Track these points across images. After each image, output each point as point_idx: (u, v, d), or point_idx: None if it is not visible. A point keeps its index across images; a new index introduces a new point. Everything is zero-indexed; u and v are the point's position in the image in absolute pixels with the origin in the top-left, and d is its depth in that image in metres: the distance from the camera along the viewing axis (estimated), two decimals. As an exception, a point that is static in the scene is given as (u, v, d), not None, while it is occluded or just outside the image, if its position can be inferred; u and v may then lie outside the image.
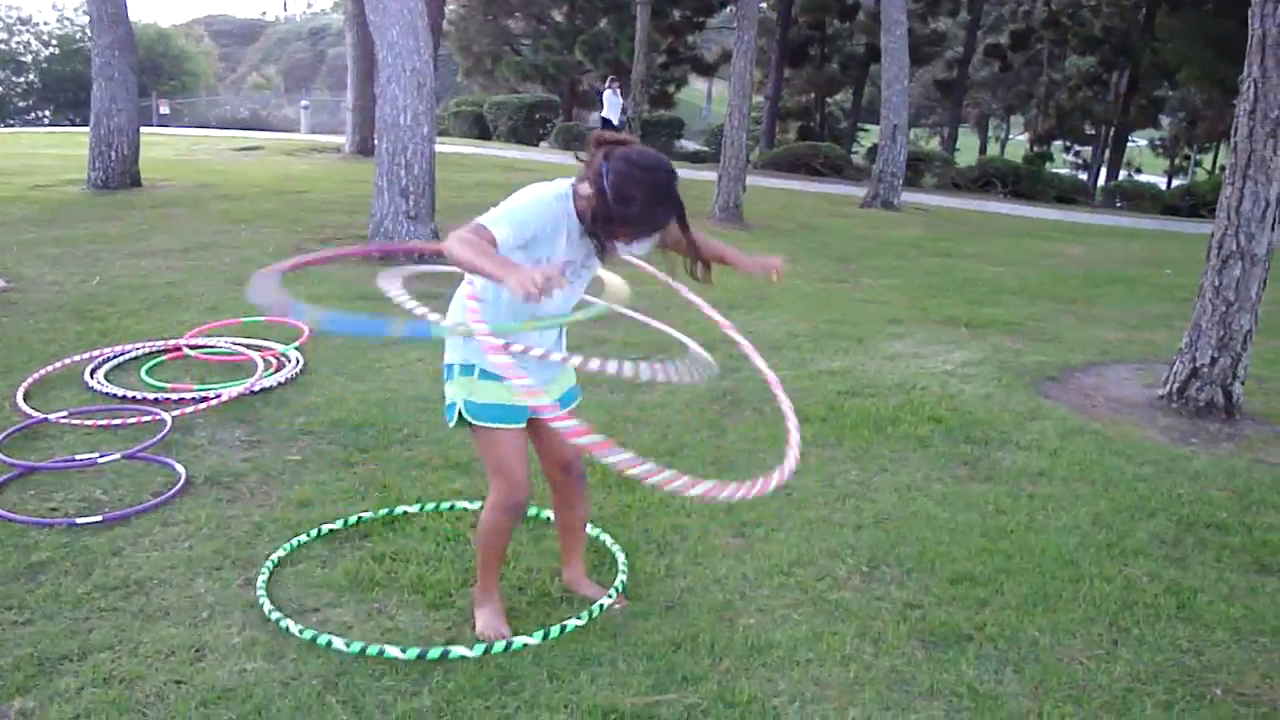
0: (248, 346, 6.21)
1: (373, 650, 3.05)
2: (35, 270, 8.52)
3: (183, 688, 2.90)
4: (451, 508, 4.14)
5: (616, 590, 3.45)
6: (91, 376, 5.63)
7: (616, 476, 4.52)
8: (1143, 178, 38.08)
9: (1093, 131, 39.84)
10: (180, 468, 4.42)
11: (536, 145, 31.59)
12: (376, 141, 10.14)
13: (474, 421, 3.05)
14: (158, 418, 4.96)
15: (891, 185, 18.22)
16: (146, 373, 5.78)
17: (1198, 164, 46.30)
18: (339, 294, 7.89)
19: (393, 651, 3.04)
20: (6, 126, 41.93)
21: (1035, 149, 36.81)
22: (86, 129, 14.23)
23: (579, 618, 3.26)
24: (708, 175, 15.89)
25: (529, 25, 38.39)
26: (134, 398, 5.33)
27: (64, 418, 5.00)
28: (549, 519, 3.92)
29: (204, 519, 4.00)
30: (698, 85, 53.11)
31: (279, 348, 6.22)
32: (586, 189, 2.81)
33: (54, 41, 52.51)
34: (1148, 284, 11.27)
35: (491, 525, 3.17)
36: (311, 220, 11.96)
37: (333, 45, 77.12)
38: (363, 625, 3.27)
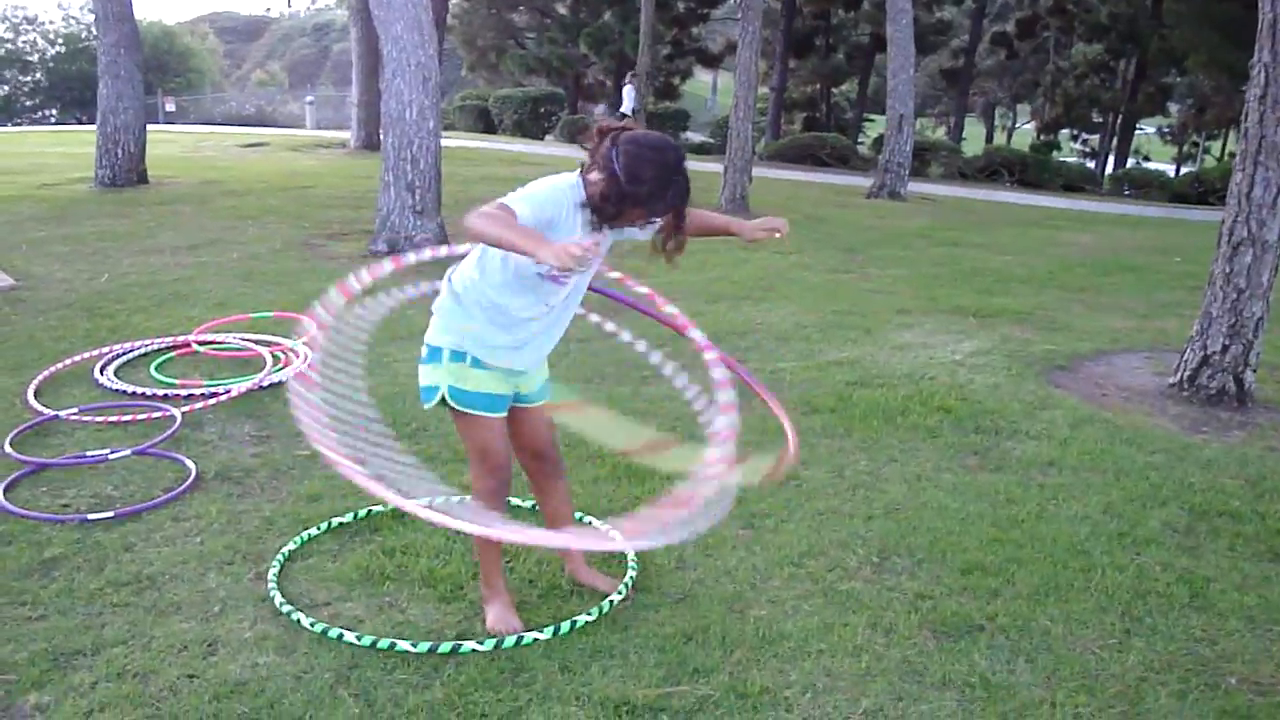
0: (256, 342, 6.21)
1: (384, 644, 3.06)
2: (44, 268, 8.54)
3: (195, 682, 2.91)
4: (460, 501, 4.14)
5: (626, 586, 3.45)
6: (101, 373, 5.65)
7: (625, 469, 4.53)
8: (1151, 165, 37.92)
9: (1100, 119, 39.65)
10: (190, 463, 4.44)
11: (542, 139, 31.53)
12: (382, 136, 10.14)
13: (458, 407, 3.08)
14: (167, 414, 4.97)
15: (898, 175, 18.16)
16: (156, 369, 5.79)
17: (1206, 151, 46.11)
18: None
19: (404, 645, 3.05)
20: (14, 125, 42.02)
21: (1042, 137, 36.70)
22: (93, 127, 14.25)
23: (589, 613, 3.26)
24: (714, 167, 15.86)
25: (533, 19, 38.32)
26: (144, 394, 5.34)
27: (74, 415, 5.01)
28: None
29: (214, 514, 4.01)
30: (703, 77, 53.01)
31: (287, 343, 6.22)
32: (596, 175, 2.83)
33: (60, 40, 52.55)
34: (1157, 272, 11.22)
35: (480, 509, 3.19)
36: (318, 216, 11.97)
37: (337, 41, 77.14)
38: (374, 619, 3.28)
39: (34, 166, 16.62)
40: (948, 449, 5.02)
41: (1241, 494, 4.57)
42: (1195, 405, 5.91)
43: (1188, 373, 6.08)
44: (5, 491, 4.12)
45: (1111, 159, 36.73)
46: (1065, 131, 41.73)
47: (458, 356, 3.05)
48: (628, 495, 4.27)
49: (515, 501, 4.04)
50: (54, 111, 50.51)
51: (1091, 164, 37.54)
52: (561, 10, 37.00)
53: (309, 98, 42.45)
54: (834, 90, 41.24)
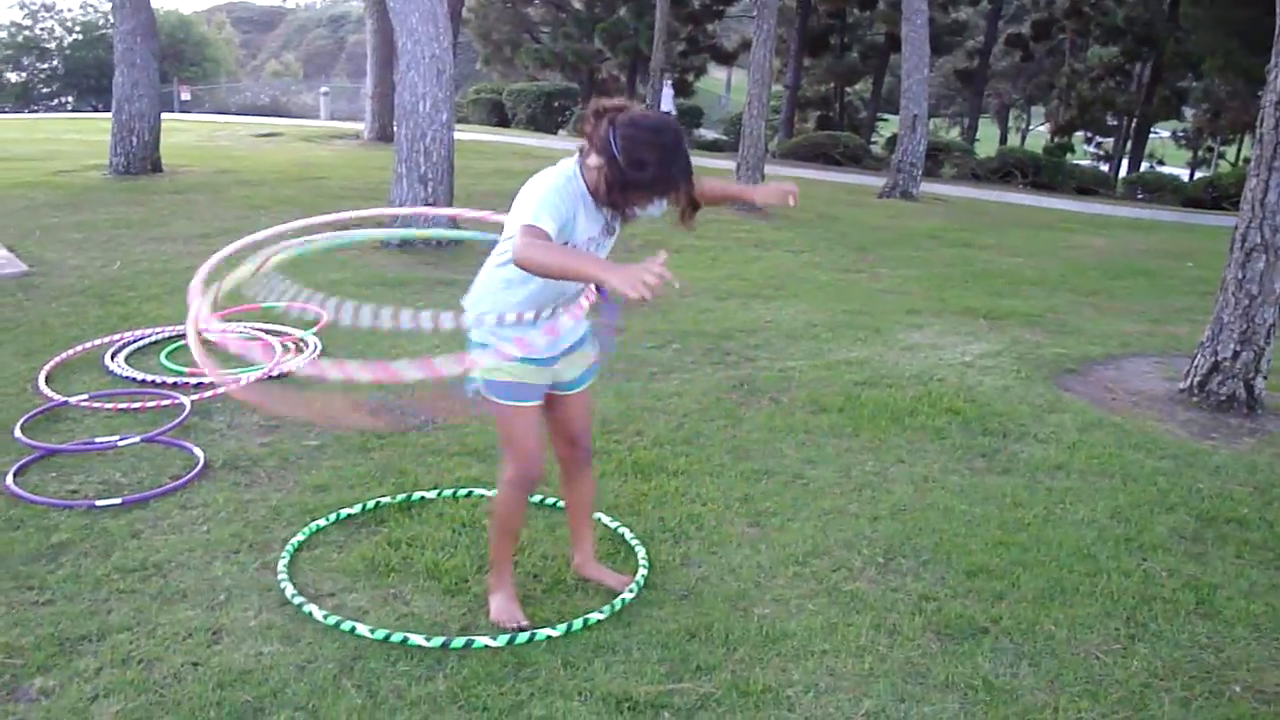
0: (266, 331, 6.23)
1: (396, 637, 3.06)
2: (57, 255, 8.56)
3: (200, 669, 2.92)
4: (469, 494, 4.15)
5: (638, 585, 3.45)
6: (112, 360, 5.67)
7: (631, 465, 4.53)
8: (1165, 169, 37.76)
9: (1115, 123, 39.48)
10: (199, 451, 4.45)
11: (555, 133, 31.54)
12: (396, 128, 10.15)
13: (493, 399, 3.07)
14: (177, 402, 4.99)
15: (911, 175, 18.11)
16: (166, 357, 5.81)
17: (1221, 156, 45.89)
18: (355, 279, 7.91)
19: (416, 639, 3.06)
20: (30, 112, 42.16)
21: (1056, 140, 36.51)
22: (108, 115, 14.29)
23: (601, 611, 3.26)
24: (726, 164, 15.84)
25: (548, 13, 38.30)
26: (153, 382, 5.36)
27: (84, 401, 5.03)
28: (562, 507, 3.92)
29: (222, 503, 4.03)
30: (717, 74, 52.91)
31: (297, 333, 6.24)
32: (595, 160, 2.80)
33: (77, 28, 52.71)
34: (1169, 277, 11.19)
35: (504, 500, 3.20)
36: (331, 206, 11.97)
37: (352, 32, 77.25)
38: (379, 610, 3.29)
39: (49, 153, 16.68)
40: (955, 451, 5.01)
41: (1250, 501, 4.55)
42: (1205, 411, 5.89)
43: (1198, 378, 6.06)
44: (15, 476, 4.14)
45: (1126, 162, 36.56)
46: (1079, 134, 41.58)
47: (486, 348, 3.03)
48: (634, 491, 4.27)
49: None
50: (70, 99, 50.69)
51: (1105, 167, 37.37)
52: (577, 5, 36.94)
53: (324, 89, 42.48)
54: (848, 89, 41.17)
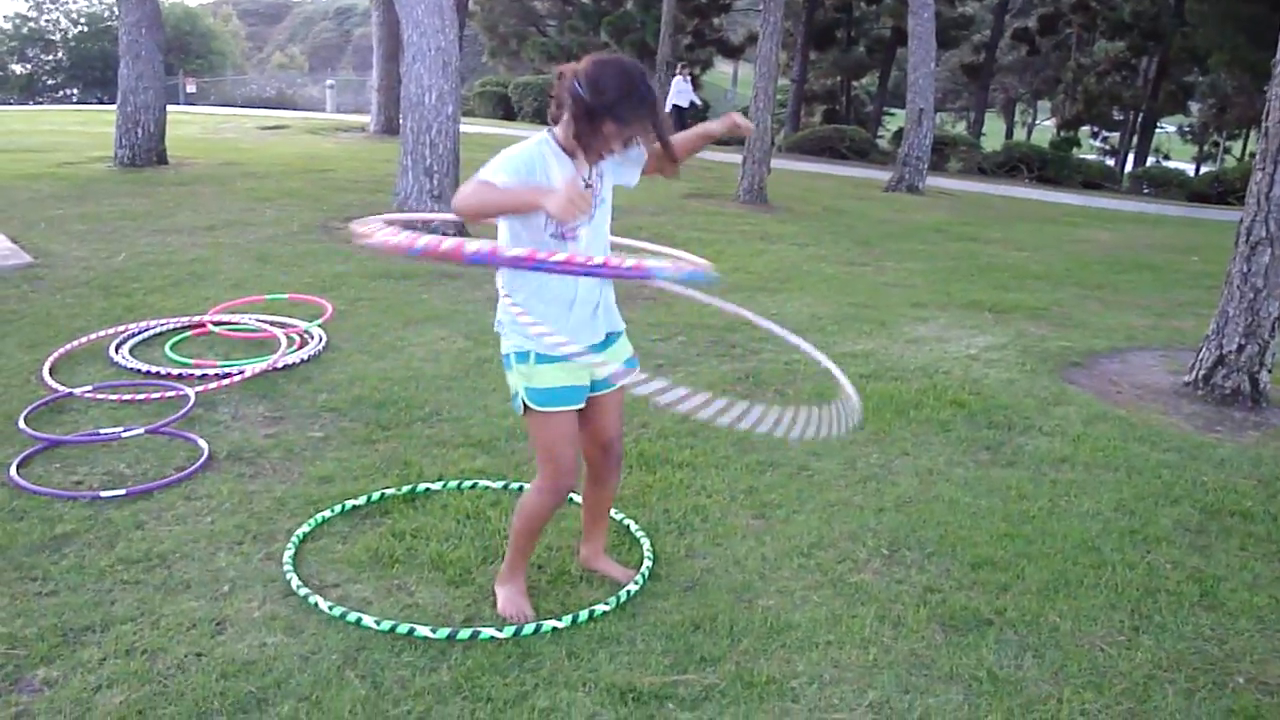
0: (271, 323, 6.23)
1: (401, 628, 3.07)
2: (62, 246, 8.57)
3: (203, 660, 2.92)
4: (473, 486, 4.15)
5: (643, 577, 3.45)
6: (116, 352, 5.67)
7: (637, 457, 4.53)
8: (1171, 164, 37.69)
9: (1121, 117, 39.43)
10: (203, 443, 4.45)
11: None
12: (401, 121, 10.15)
13: (535, 407, 3.03)
14: (181, 393, 4.99)
15: (916, 169, 18.10)
16: (171, 349, 5.81)
17: (1227, 151, 45.82)
18: (359, 271, 7.91)
19: (421, 630, 3.06)
20: (35, 104, 42.20)
21: (1062, 134, 36.44)
22: (113, 107, 14.29)
23: (606, 603, 3.26)
24: (733, 158, 15.83)
25: (555, 6, 38.30)
26: (158, 373, 5.36)
27: (89, 392, 5.04)
28: (576, 501, 3.91)
29: (226, 494, 4.03)
30: (723, 67, 52.85)
31: (302, 325, 6.24)
32: (565, 115, 2.85)
33: (82, 19, 52.80)
34: (1174, 271, 11.17)
35: (534, 507, 3.17)
36: (336, 199, 11.99)
37: (358, 25, 77.33)
38: (382, 601, 3.29)
39: (54, 145, 16.69)
40: (960, 443, 5.00)
41: (1254, 494, 4.54)
42: (1209, 404, 5.88)
43: (1203, 372, 6.05)
44: (19, 467, 4.14)
45: (1131, 157, 36.52)
46: (1085, 129, 41.52)
47: (522, 357, 3.00)
48: (639, 483, 4.27)
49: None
50: (75, 91, 50.77)
51: (1111, 162, 37.32)
52: (583, -2, 36.95)
53: (329, 81, 42.54)
54: (854, 83, 41.11)
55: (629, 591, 3.35)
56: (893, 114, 41.48)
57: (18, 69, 52.90)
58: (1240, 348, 5.90)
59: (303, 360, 5.66)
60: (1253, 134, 37.27)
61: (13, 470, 4.10)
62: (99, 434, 4.54)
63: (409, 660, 2.95)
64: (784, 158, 23.47)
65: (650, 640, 3.11)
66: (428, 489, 4.11)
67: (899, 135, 23.25)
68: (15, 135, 18.69)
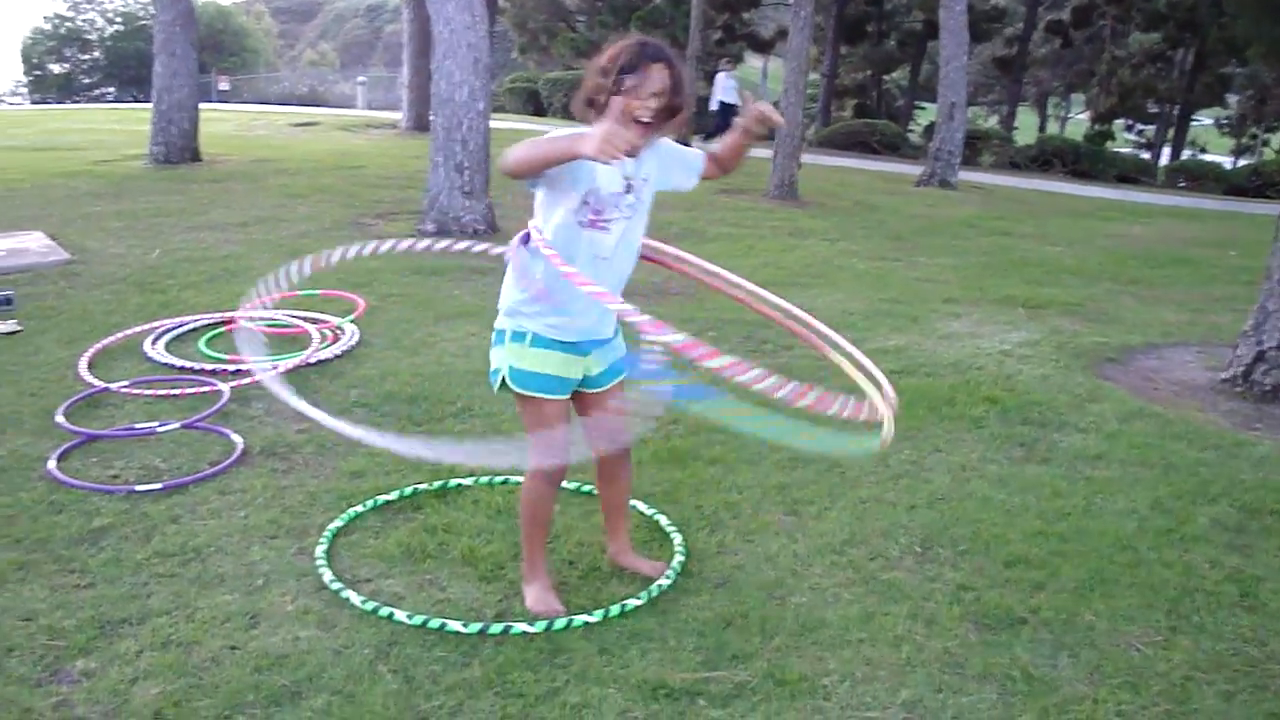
0: (304, 319, 6.27)
1: (434, 623, 3.07)
2: (99, 243, 8.66)
3: (237, 653, 2.94)
4: (505, 481, 4.16)
5: (674, 572, 3.44)
6: (152, 347, 5.72)
7: (668, 453, 4.52)
8: (1207, 157, 37.24)
9: (1156, 110, 38.98)
10: (237, 438, 4.48)
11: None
12: (432, 117, 10.17)
13: (515, 388, 3.06)
14: (215, 388, 5.03)
15: (948, 164, 17.96)
16: (205, 344, 5.86)
17: (1265, 143, 45.19)
18: (391, 267, 7.94)
19: (454, 625, 3.07)
20: (72, 103, 42.66)
21: (1096, 127, 36.12)
22: (148, 105, 14.41)
23: (639, 597, 3.26)
24: (763, 153, 15.76)
25: (584, 1, 38.27)
26: (192, 368, 5.41)
27: (125, 387, 5.09)
28: (597, 494, 3.91)
29: (260, 488, 4.05)
30: (754, 62, 52.64)
31: (334, 320, 6.27)
32: (593, 117, 2.99)
33: (118, 19, 53.32)
34: (1211, 265, 11.03)
35: (529, 492, 3.21)
36: (368, 195, 12.04)
37: (389, 22, 77.66)
38: (414, 596, 3.30)
39: (90, 143, 16.87)
40: (994, 440, 4.96)
41: (1295, 493, 4.48)
42: (1248, 401, 5.80)
43: (1241, 368, 5.97)
44: (58, 461, 4.19)
45: (1167, 150, 36.14)
46: (1120, 122, 41.05)
47: (518, 337, 3.03)
48: (670, 479, 4.27)
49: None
50: (112, 89, 51.29)
51: (1146, 155, 36.90)
52: (613, -8, 36.90)
53: (360, 78, 42.73)
54: (885, 77, 40.90)
55: (660, 586, 3.34)
56: (924, 108, 41.17)
57: (56, 69, 53.49)
58: (1280, 344, 5.82)
59: (335, 356, 5.69)
60: (1292, 126, 36.79)
61: (52, 464, 4.14)
62: (135, 428, 4.58)
63: (441, 655, 2.96)
64: (814, 152, 23.36)
65: (681, 637, 3.11)
66: (459, 484, 4.12)
67: (930, 129, 23.06)
68: (53, 134, 18.90)
